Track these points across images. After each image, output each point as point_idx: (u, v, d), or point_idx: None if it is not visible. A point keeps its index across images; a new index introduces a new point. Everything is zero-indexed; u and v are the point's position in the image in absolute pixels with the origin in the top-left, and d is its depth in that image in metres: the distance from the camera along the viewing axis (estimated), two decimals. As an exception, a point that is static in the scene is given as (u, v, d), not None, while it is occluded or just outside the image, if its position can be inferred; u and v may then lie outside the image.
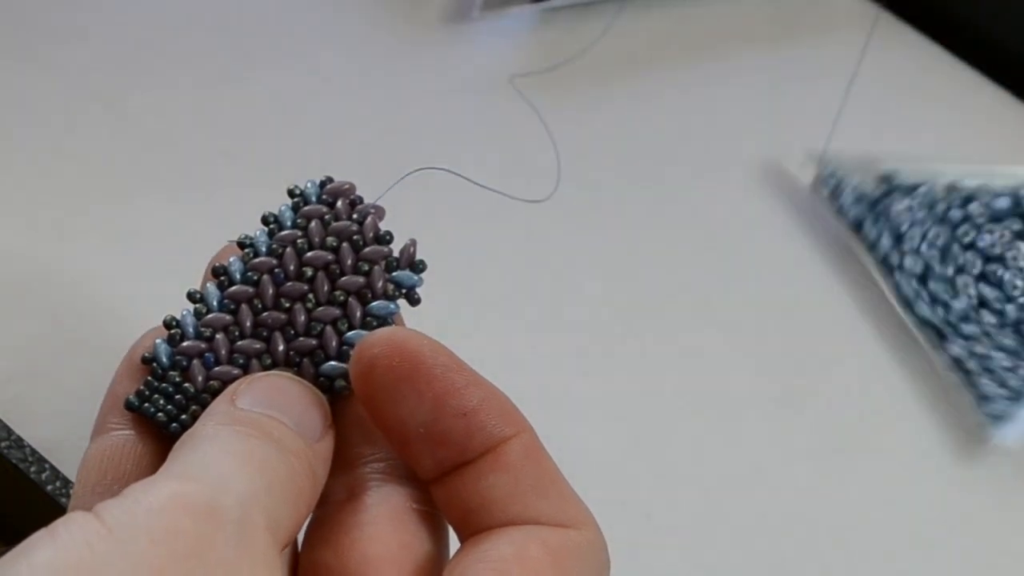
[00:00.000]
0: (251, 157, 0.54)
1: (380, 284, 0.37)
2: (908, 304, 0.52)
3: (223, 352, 0.36)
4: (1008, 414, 0.50)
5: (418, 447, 0.34)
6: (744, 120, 0.58)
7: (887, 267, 0.53)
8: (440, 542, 0.35)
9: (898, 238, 0.54)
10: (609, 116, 0.57)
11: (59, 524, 0.29)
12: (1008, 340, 0.51)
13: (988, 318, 0.51)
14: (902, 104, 0.59)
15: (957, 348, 0.51)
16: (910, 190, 0.54)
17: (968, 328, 0.52)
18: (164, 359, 0.36)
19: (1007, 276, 0.51)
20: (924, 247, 0.52)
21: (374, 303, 0.36)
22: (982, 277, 0.52)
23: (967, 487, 0.50)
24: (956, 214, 0.53)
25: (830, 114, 0.57)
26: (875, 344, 0.53)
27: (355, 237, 0.37)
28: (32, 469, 0.45)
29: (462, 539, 0.35)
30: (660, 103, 0.58)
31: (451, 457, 0.34)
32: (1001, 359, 0.51)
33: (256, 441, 0.32)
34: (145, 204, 0.52)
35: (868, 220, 0.54)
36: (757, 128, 0.58)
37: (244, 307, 0.37)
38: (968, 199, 0.54)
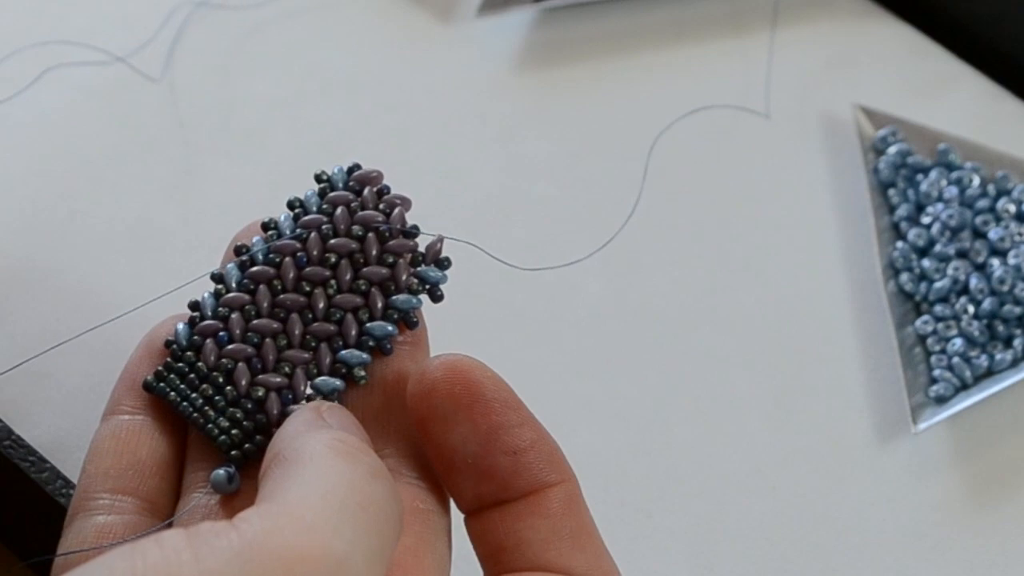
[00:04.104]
0: (251, 157, 0.54)
1: (404, 278, 0.36)
2: (895, 275, 0.53)
3: (237, 331, 0.36)
4: (946, 401, 0.50)
5: (463, 477, 0.35)
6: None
7: (897, 234, 0.53)
8: (445, 545, 0.35)
9: (919, 208, 0.54)
10: (611, 113, 0.57)
11: (149, 546, 0.27)
12: (975, 331, 0.51)
13: (964, 304, 0.52)
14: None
15: (924, 325, 0.52)
16: (952, 168, 0.54)
17: (941, 309, 0.52)
18: (183, 340, 0.36)
19: (999, 272, 0.51)
20: (937, 225, 0.52)
21: (397, 296, 0.36)
22: (980, 267, 0.52)
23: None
24: (983, 203, 0.53)
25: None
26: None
27: (381, 228, 0.36)
28: (32, 469, 0.45)
29: (488, 575, 0.35)
30: (668, 93, 0.58)
31: (493, 493, 0.34)
32: (961, 346, 0.51)
33: (362, 469, 0.31)
34: (148, 202, 0.52)
35: (898, 184, 0.54)
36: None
37: (263, 287, 0.36)
38: (1002, 194, 0.54)
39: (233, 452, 0.36)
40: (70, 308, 0.49)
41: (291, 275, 0.36)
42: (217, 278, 0.37)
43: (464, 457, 0.34)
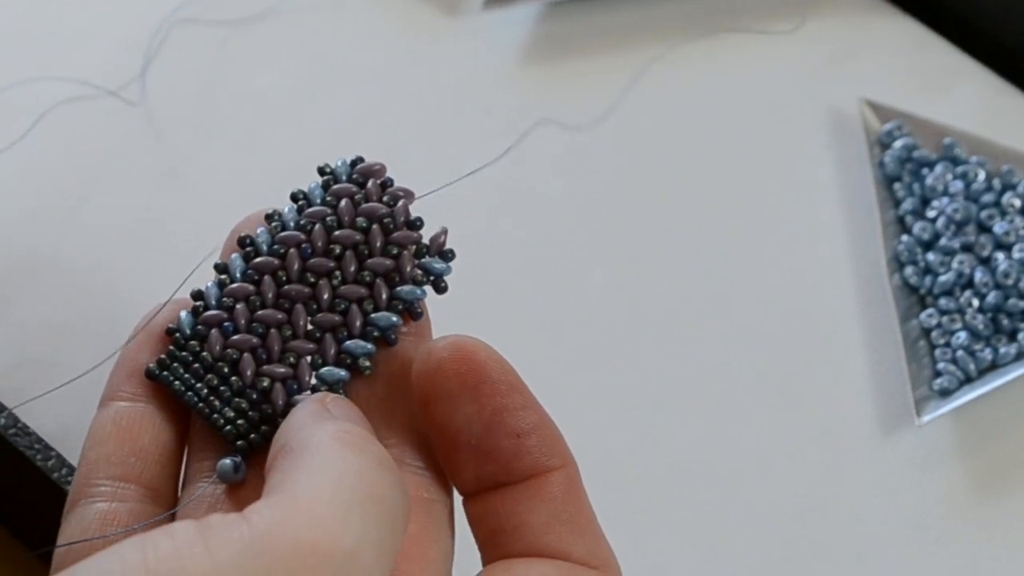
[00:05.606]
0: (255, 151, 0.54)
1: (409, 269, 0.36)
2: (900, 268, 0.53)
3: (243, 322, 0.36)
4: (950, 394, 0.50)
5: (464, 458, 0.34)
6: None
7: (902, 227, 0.54)
8: (449, 534, 0.35)
9: (924, 202, 0.54)
10: (617, 107, 0.57)
11: (160, 537, 0.27)
12: (980, 324, 0.51)
13: (969, 298, 0.52)
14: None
15: (929, 318, 0.52)
16: (957, 162, 0.55)
17: (945, 303, 0.52)
18: (187, 329, 0.36)
19: (1003, 266, 0.51)
20: (942, 219, 0.52)
21: (401, 287, 0.36)
22: (985, 261, 0.52)
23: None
24: (988, 198, 0.53)
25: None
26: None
27: (386, 220, 0.36)
28: (38, 457, 0.45)
29: (486, 558, 0.35)
30: (671, 90, 0.58)
31: (494, 474, 0.34)
32: (965, 340, 0.51)
33: (369, 460, 0.30)
34: (154, 196, 0.52)
35: (904, 178, 0.54)
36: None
37: (267, 278, 0.36)
38: (1007, 188, 0.54)
39: (239, 442, 0.36)
40: (75, 299, 0.49)
41: (296, 266, 0.36)
42: (221, 268, 0.37)
43: (468, 438, 0.34)
